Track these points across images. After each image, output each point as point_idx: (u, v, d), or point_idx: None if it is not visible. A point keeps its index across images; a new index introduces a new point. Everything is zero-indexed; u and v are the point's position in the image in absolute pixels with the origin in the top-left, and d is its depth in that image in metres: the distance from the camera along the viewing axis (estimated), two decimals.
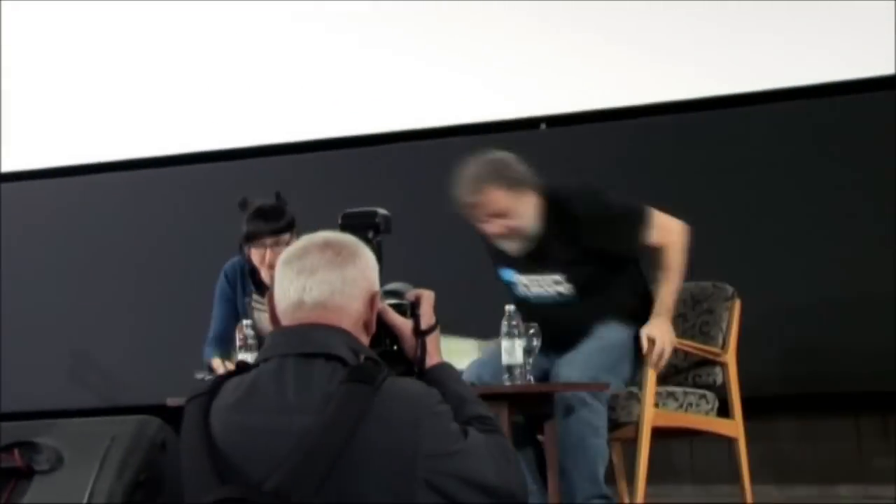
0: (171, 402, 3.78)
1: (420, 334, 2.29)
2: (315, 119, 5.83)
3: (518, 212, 4.17)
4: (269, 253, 4.40)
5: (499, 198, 4.15)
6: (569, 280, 4.25)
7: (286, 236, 4.41)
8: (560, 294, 4.27)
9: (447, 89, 5.69)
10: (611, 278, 4.28)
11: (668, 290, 4.18)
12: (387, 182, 5.66)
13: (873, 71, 5.14)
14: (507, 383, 3.84)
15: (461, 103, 5.65)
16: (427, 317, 2.32)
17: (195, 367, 4.40)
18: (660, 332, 4.12)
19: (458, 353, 4.04)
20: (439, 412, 2.13)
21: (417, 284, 2.46)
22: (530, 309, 4.22)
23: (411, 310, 2.33)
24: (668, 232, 4.20)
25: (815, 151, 5.35)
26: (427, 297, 2.34)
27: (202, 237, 6.01)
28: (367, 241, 2.32)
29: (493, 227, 4.18)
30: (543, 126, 5.64)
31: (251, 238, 4.44)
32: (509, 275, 4.32)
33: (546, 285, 4.26)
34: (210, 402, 2.18)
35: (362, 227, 2.43)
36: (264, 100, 5.98)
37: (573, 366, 4.09)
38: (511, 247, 4.20)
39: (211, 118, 6.06)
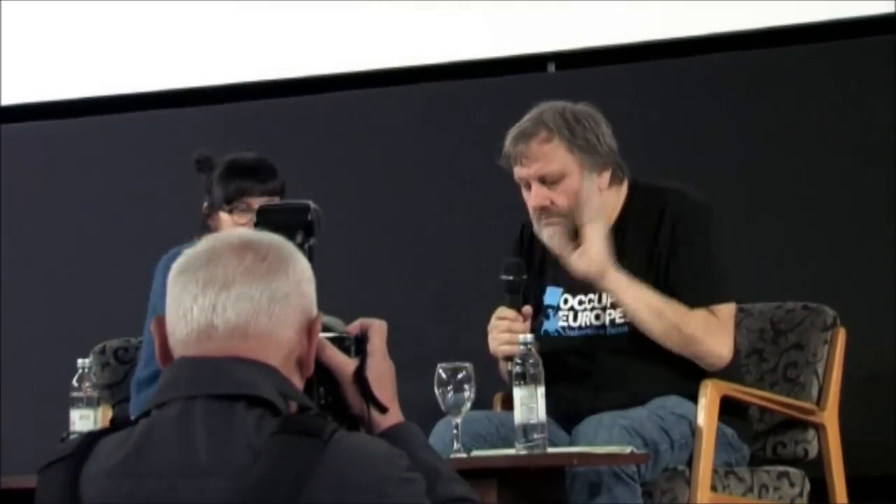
0: None
1: (361, 379, 2.13)
2: (289, 56, 5.65)
3: (573, 187, 3.87)
4: None
5: (556, 155, 3.86)
6: None
7: (277, 200, 4.24)
8: (612, 323, 3.94)
9: (437, 23, 5.50)
10: None
11: (656, 296, 3.83)
12: (364, 134, 5.47)
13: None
14: (522, 451, 3.40)
15: (454, 39, 5.47)
16: (378, 356, 2.17)
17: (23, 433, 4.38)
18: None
19: None
20: (410, 479, 1.99)
21: (371, 307, 2.42)
22: (560, 346, 3.96)
23: (356, 346, 2.17)
24: (722, 327, 3.85)
25: None
26: (378, 330, 2.20)
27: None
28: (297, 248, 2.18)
29: (533, 198, 3.89)
30: (552, 67, 5.34)
31: (235, 198, 4.21)
32: (554, 296, 4.01)
33: (597, 310, 3.96)
34: (79, 466, 1.99)
35: (288, 228, 2.22)
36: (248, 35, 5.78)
37: (602, 426, 3.64)
38: (548, 233, 3.91)
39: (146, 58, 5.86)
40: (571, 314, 3.98)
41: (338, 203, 4.76)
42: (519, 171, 3.87)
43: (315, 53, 5.67)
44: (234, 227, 4.27)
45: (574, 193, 3.86)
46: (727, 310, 3.88)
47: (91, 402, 3.66)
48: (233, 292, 2.02)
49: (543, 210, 3.88)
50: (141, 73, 5.86)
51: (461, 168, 5.42)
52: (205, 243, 2.08)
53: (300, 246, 2.21)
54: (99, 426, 3.60)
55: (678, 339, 3.79)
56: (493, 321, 3.80)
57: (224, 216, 4.30)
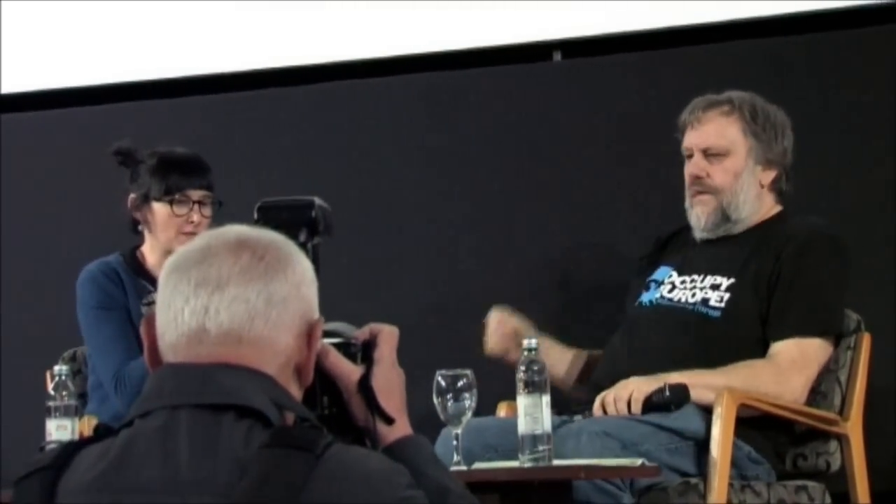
0: None
1: (366, 388, 2.11)
2: (293, 45, 5.65)
3: (734, 167, 3.95)
4: (195, 213, 4.28)
5: (729, 130, 3.96)
6: (729, 289, 3.96)
7: (210, 196, 4.33)
8: (703, 302, 3.97)
9: (440, 11, 5.50)
10: (749, 343, 3.91)
11: (707, 375, 3.82)
12: (363, 126, 5.47)
13: None
14: (527, 464, 3.37)
15: (457, 28, 5.47)
16: (386, 364, 2.15)
17: None
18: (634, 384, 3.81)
19: None
20: (410, 498, 1.94)
21: (371, 309, 2.54)
22: (639, 314, 4.04)
23: (363, 353, 2.15)
24: (801, 364, 3.86)
25: None
26: (388, 336, 2.17)
27: None
28: (300, 248, 2.15)
29: (692, 166, 3.98)
30: (558, 55, 5.32)
31: (171, 191, 4.28)
32: (664, 273, 4.10)
33: (697, 288, 4.01)
34: (57, 478, 1.96)
35: (290, 225, 2.22)
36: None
37: (570, 435, 3.64)
38: (697, 212, 3.99)
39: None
40: (669, 287, 4.04)
41: (336, 200, 4.73)
42: (688, 138, 3.94)
43: (316, 42, 5.65)
44: (170, 218, 4.32)
45: (734, 174, 3.93)
46: (813, 345, 3.88)
47: (69, 412, 3.55)
48: (227, 294, 1.97)
49: (697, 181, 3.93)
50: (138, 61, 5.82)
51: (465, 160, 5.40)
52: (200, 240, 2.02)
53: (303, 245, 2.19)
54: (76, 437, 3.52)
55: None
56: None
57: (159, 207, 4.29)
